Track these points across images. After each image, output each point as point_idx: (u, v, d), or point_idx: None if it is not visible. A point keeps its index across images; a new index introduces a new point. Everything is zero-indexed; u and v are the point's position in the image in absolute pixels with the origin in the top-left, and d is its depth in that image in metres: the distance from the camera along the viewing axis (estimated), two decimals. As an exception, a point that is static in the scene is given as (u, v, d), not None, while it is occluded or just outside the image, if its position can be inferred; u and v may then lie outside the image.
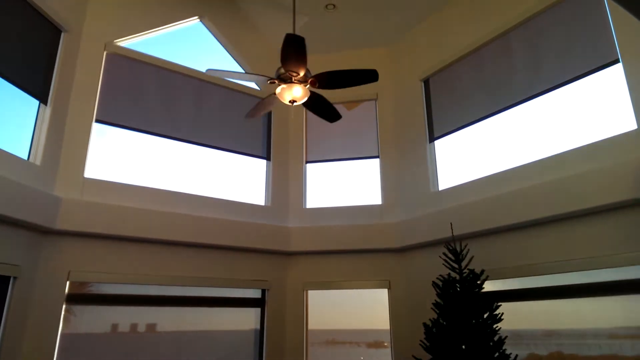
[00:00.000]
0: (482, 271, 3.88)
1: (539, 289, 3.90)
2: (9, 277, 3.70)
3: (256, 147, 5.75)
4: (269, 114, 6.00)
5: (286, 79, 3.23)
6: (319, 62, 6.12)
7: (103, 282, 4.34)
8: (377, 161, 5.76)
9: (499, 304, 4.10)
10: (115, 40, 4.92)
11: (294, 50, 2.93)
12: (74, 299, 4.18)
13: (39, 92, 4.17)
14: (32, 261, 3.94)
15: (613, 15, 3.64)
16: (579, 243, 3.63)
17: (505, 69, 4.52)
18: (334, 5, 5.36)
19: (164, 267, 4.67)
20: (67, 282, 4.13)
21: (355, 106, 6.02)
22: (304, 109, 6.14)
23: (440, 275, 4.12)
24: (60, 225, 4.07)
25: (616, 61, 3.60)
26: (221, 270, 5.02)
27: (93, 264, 4.29)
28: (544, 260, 3.84)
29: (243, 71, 5.90)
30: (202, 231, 4.81)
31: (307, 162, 5.96)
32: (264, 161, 5.81)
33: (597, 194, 3.41)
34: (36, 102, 4.19)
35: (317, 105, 3.65)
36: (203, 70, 5.49)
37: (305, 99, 3.33)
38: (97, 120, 4.66)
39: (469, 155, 4.85)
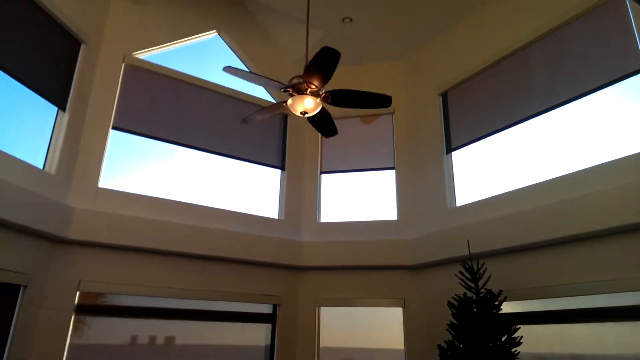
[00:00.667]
0: (500, 291, 3.73)
1: (560, 311, 3.72)
2: (19, 286, 3.70)
3: (271, 157, 5.72)
4: (285, 124, 5.97)
5: (299, 90, 3.18)
6: (335, 75, 6.10)
7: (113, 293, 4.31)
8: (392, 174, 5.66)
9: (518, 326, 3.92)
10: (133, 53, 4.98)
11: (327, 63, 2.89)
12: (83, 309, 4.16)
13: (57, 99, 4.22)
14: (42, 270, 3.94)
15: (638, 23, 3.51)
16: (603, 264, 3.45)
17: (525, 80, 4.40)
18: (350, 19, 5.34)
19: (174, 280, 4.62)
20: (77, 292, 4.12)
21: (372, 120, 5.95)
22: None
23: (456, 294, 3.97)
24: (72, 234, 4.07)
25: (630, 26, 3.54)
26: (232, 284, 4.96)
27: (103, 275, 4.27)
28: (565, 281, 3.67)
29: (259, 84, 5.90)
30: (214, 244, 4.77)
31: (322, 172, 5.90)
32: (278, 172, 5.77)
33: (622, 213, 3.25)
34: (54, 112, 4.24)
35: (316, 118, 3.59)
36: (220, 82, 5.52)
37: (317, 111, 3.28)
38: (114, 128, 4.70)
39: (486, 172, 4.72)
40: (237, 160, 5.46)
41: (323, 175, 5.88)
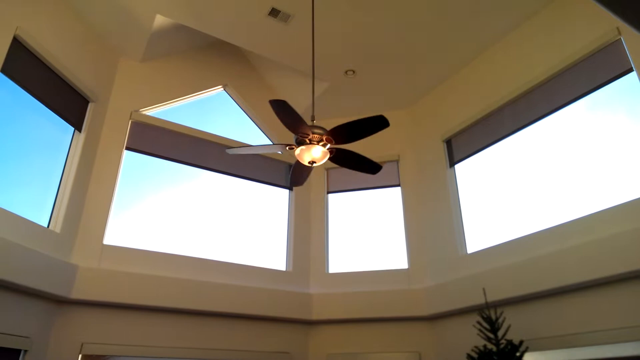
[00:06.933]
0: (521, 342, 3.54)
1: (587, 362, 3.52)
2: (19, 351, 3.55)
3: (279, 177, 5.85)
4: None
5: (302, 142, 3.20)
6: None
7: (116, 356, 4.13)
8: (402, 222, 5.57)
9: (544, 379, 3.70)
10: (140, 110, 5.06)
11: (283, 114, 2.94)
12: (85, 373, 3.97)
13: (65, 151, 4.23)
14: (43, 333, 3.80)
15: (637, 64, 3.55)
16: (631, 309, 3.29)
17: (526, 113, 4.41)
18: (353, 71, 5.44)
19: (181, 339, 4.45)
20: (80, 356, 3.95)
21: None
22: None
23: (475, 346, 3.78)
24: (76, 294, 3.96)
25: (630, 70, 3.65)
26: (240, 341, 4.76)
27: (107, 336, 4.11)
28: (591, 329, 3.49)
29: (264, 136, 5.96)
30: (222, 299, 4.62)
31: (328, 192, 5.98)
32: (286, 213, 5.71)
33: (644, 255, 3.13)
34: (62, 163, 4.26)
35: (352, 161, 3.57)
36: (226, 134, 5.59)
37: (326, 159, 3.26)
38: (128, 149, 4.72)
39: (499, 216, 4.63)
40: (248, 181, 5.63)
41: (330, 221, 5.81)
